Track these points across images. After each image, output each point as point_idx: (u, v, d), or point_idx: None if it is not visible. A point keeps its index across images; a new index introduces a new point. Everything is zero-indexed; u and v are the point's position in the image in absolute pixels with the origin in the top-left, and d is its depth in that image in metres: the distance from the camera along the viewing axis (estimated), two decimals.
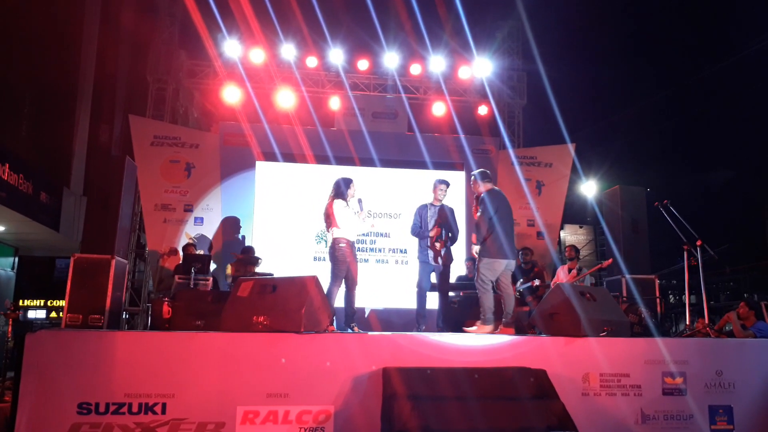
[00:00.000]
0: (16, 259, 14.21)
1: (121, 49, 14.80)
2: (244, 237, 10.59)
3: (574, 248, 9.49)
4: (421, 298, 7.11)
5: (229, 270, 9.40)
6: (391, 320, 9.94)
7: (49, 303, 15.28)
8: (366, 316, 10.10)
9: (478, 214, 6.60)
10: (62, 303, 11.16)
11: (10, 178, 10.00)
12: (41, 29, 12.26)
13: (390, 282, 10.54)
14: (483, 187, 6.80)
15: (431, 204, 7.22)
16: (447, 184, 7.24)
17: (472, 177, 6.92)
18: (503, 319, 6.51)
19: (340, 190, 6.86)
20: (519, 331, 7.65)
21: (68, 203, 12.58)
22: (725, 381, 5.55)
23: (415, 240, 7.52)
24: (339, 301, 6.95)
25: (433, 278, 7.33)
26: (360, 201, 6.97)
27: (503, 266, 6.47)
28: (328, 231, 6.91)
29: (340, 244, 6.72)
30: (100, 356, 4.65)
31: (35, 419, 4.43)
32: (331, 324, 6.63)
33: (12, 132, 12.25)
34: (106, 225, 7.27)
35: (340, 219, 6.75)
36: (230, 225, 10.67)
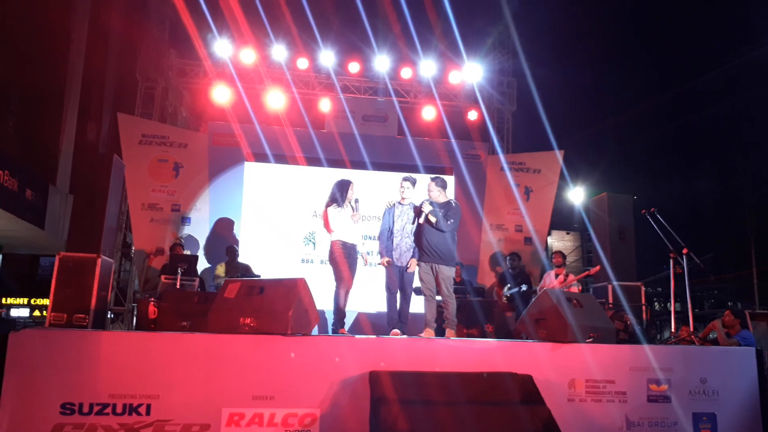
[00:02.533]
0: (0, 256, 14.08)
1: (110, 47, 14.73)
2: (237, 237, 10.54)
3: (562, 254, 9.54)
4: (392, 301, 7.00)
5: (218, 271, 9.37)
6: (379, 324, 9.91)
7: (32, 301, 15.16)
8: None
9: (451, 222, 6.65)
10: (46, 301, 11.07)
11: None
12: (29, 26, 12.18)
13: (379, 285, 10.50)
14: (445, 196, 6.89)
15: (398, 203, 7.14)
16: (412, 182, 7.06)
17: (438, 181, 6.92)
18: (434, 325, 6.75)
19: (335, 195, 6.92)
20: (506, 336, 7.69)
21: (54, 201, 12.48)
22: (709, 388, 5.60)
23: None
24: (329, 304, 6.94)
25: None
26: (357, 201, 6.99)
27: None
28: (329, 233, 6.98)
29: (335, 247, 6.82)
30: (85, 356, 4.61)
31: (17, 419, 4.38)
32: (342, 327, 6.70)
33: None
34: (92, 223, 7.20)
35: (333, 223, 6.84)
36: (224, 226, 10.62)
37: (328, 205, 6.90)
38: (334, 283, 6.84)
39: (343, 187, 6.95)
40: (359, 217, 7.01)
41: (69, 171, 13.59)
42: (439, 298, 6.81)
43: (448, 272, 6.68)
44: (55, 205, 12.50)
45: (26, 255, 14.91)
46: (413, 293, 7.18)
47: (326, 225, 6.92)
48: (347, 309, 6.99)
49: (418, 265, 6.87)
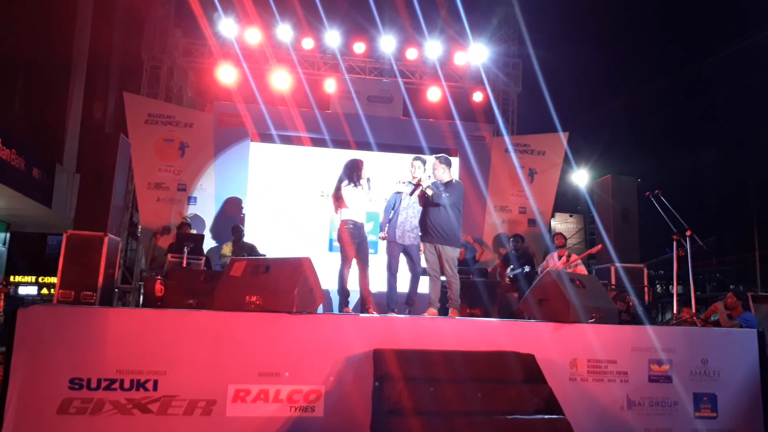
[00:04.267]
0: (8, 234, 14.18)
1: (116, 26, 14.70)
2: (244, 215, 10.59)
3: (563, 236, 9.59)
4: (392, 281, 7.06)
5: (224, 250, 9.43)
6: (384, 303, 9.96)
7: (40, 279, 15.27)
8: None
9: (447, 195, 6.65)
10: (53, 280, 11.15)
11: (2, 153, 9.98)
12: (35, 4, 12.15)
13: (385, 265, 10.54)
14: (449, 175, 6.91)
15: (409, 182, 7.14)
16: (423, 161, 7.02)
17: (443, 159, 6.94)
18: (438, 304, 6.81)
19: (348, 173, 6.90)
20: (509, 316, 7.75)
21: (61, 180, 12.56)
22: (710, 369, 5.63)
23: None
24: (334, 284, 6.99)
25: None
26: (368, 180, 7.00)
27: None
28: (336, 213, 6.97)
29: (347, 226, 6.80)
30: (93, 332, 4.66)
31: (26, 394, 4.44)
32: (347, 306, 6.75)
33: (5, 107, 12.21)
34: (99, 202, 7.24)
35: (349, 200, 6.82)
36: (230, 206, 10.66)
37: (341, 182, 6.89)
38: (340, 262, 6.86)
39: (354, 166, 6.95)
40: (372, 196, 7.05)
41: (75, 150, 13.65)
42: (443, 278, 6.86)
43: (452, 253, 6.71)
44: (62, 184, 12.58)
45: (34, 233, 15.00)
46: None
47: (336, 204, 6.91)
48: (352, 288, 7.03)
49: (422, 245, 6.92)
